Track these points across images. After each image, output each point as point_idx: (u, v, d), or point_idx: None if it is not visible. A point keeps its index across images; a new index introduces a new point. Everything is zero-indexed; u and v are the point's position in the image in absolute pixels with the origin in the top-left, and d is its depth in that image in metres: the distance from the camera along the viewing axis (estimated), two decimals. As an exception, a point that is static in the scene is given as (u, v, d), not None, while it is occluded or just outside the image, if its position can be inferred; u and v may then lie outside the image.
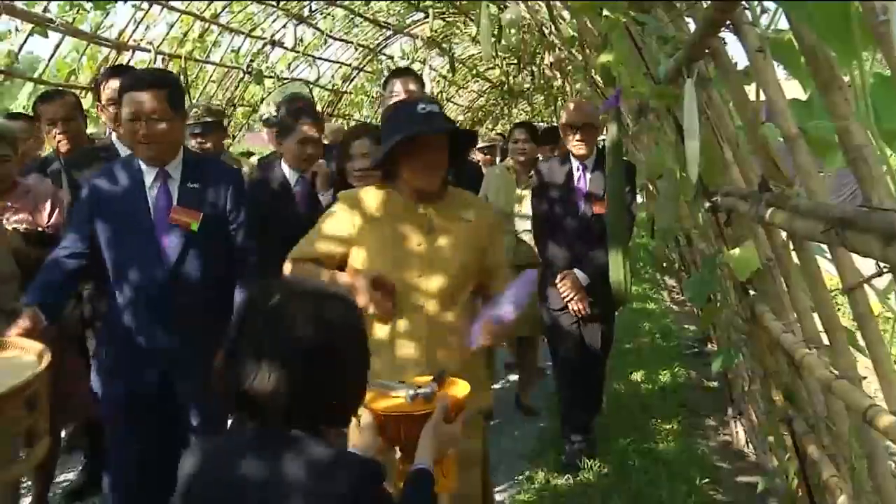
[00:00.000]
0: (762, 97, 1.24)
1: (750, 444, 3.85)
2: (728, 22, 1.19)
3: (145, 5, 5.20)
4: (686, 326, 6.73)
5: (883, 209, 0.82)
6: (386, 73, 11.01)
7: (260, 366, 1.26)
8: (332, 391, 1.31)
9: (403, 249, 2.13)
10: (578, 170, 3.65)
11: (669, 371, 5.24)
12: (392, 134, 2.11)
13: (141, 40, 5.53)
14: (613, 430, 4.11)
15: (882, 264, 0.85)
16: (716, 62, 1.40)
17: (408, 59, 10.61)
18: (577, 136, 3.57)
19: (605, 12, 1.65)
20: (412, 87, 3.33)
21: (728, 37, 1.34)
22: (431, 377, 1.77)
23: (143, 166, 2.54)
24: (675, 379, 5.11)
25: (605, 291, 3.49)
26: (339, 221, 2.18)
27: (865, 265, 0.98)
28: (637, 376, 5.16)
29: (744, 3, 1.08)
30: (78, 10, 4.51)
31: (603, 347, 3.85)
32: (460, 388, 1.75)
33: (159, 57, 5.81)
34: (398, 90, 3.30)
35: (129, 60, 5.37)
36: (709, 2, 1.29)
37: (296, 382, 1.26)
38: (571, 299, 3.65)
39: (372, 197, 2.20)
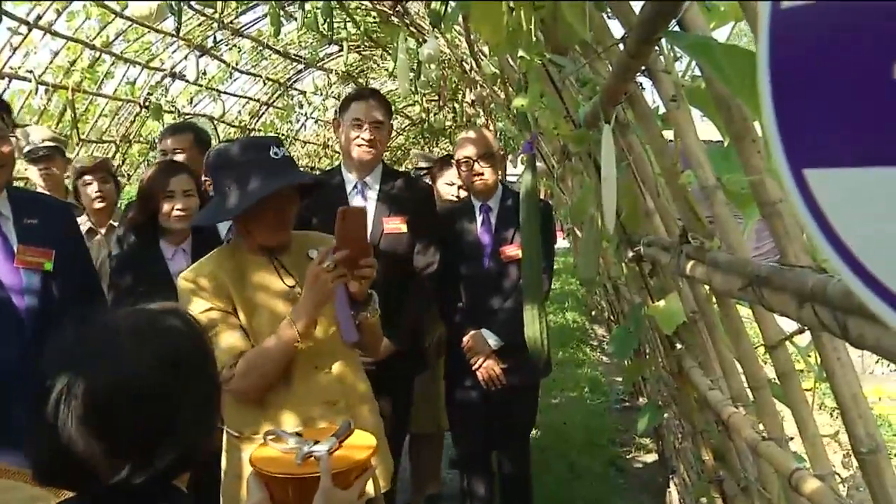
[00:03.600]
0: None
1: (683, 505, 3.90)
2: (644, 67, 1.22)
3: (23, 29, 5.01)
4: (617, 379, 6.83)
5: (799, 266, 0.84)
6: (298, 108, 11.02)
7: (76, 420, 1.05)
8: (173, 434, 1.11)
9: (274, 315, 2.00)
10: (481, 212, 3.26)
11: (598, 426, 5.29)
12: (242, 181, 1.92)
13: (19, 68, 5.32)
14: (537, 491, 4.09)
15: (801, 323, 0.87)
16: (633, 108, 1.44)
17: (321, 94, 10.63)
18: (476, 169, 3.19)
19: (520, 53, 1.69)
20: (379, 116, 2.93)
21: (647, 81, 1.38)
22: (336, 428, 1.70)
23: None
24: (604, 435, 5.15)
25: (524, 355, 2.94)
26: (213, 303, 1.97)
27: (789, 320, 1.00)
28: (563, 432, 5.17)
29: (657, 49, 1.12)
30: (-56, 34, 4.31)
31: (522, 427, 3.38)
32: (365, 443, 1.68)
33: (41, 88, 5.63)
34: (359, 117, 2.90)
35: (5, 91, 5.17)
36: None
37: (125, 431, 1.07)
38: (479, 367, 3.14)
39: (218, 267, 2.02)
